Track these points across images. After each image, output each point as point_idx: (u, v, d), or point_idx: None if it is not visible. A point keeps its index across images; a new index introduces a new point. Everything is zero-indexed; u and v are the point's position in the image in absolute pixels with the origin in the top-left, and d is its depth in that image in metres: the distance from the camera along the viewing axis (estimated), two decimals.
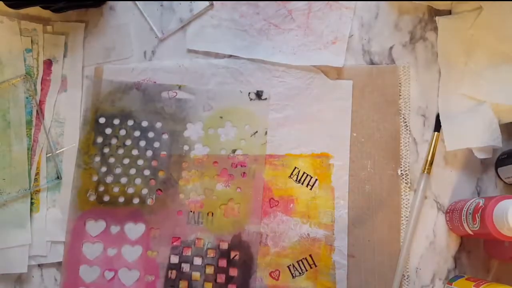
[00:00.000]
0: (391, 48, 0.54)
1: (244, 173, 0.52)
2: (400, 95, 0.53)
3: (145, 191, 0.52)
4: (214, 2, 0.54)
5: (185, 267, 0.51)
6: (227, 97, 0.53)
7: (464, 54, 0.53)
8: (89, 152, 0.52)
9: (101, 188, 0.52)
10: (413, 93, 0.53)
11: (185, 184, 0.52)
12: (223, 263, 0.51)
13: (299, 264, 0.51)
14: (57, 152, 0.52)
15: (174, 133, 0.53)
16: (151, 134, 0.53)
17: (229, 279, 0.51)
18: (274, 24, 0.54)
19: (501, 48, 0.51)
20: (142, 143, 0.53)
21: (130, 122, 0.53)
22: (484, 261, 0.52)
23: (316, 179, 0.52)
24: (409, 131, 0.53)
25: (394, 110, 0.53)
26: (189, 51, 0.54)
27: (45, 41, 0.54)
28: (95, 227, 0.52)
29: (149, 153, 0.53)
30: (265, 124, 0.53)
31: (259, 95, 0.53)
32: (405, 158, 0.53)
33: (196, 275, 0.51)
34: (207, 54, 0.54)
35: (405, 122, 0.53)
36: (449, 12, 0.54)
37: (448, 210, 0.52)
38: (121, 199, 0.52)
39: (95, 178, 0.52)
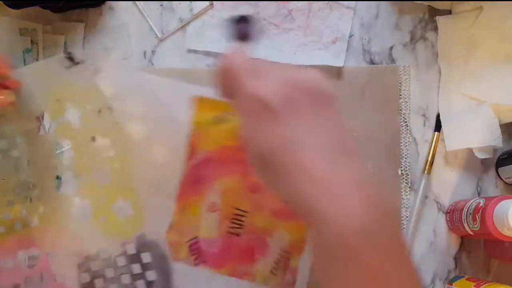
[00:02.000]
0: (391, 48, 0.54)
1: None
2: (400, 95, 0.53)
3: (24, 212, 0.46)
4: (214, 2, 0.54)
5: (99, 282, 0.46)
6: (45, 72, 0.46)
7: (465, 54, 0.53)
8: None
9: None
10: (413, 93, 0.53)
11: (65, 192, 0.46)
12: (136, 268, 0.46)
13: None
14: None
15: (28, 134, 0.46)
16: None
17: (150, 284, 0.46)
18: (274, 24, 0.54)
19: (501, 48, 0.51)
20: None
21: None
22: (485, 261, 0.52)
23: None
24: (409, 131, 0.53)
25: (394, 110, 0.53)
26: (189, 51, 0.54)
27: (45, 41, 0.53)
28: None
29: (11, 166, 0.46)
30: (103, 98, 0.46)
31: (71, 59, 0.45)
32: (405, 158, 0.53)
33: None
34: (207, 54, 0.54)
35: (405, 122, 0.53)
36: (449, 12, 0.54)
37: (449, 210, 0.52)
38: (2, 229, 0.46)
39: None
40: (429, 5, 0.54)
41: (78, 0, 0.52)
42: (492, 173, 0.53)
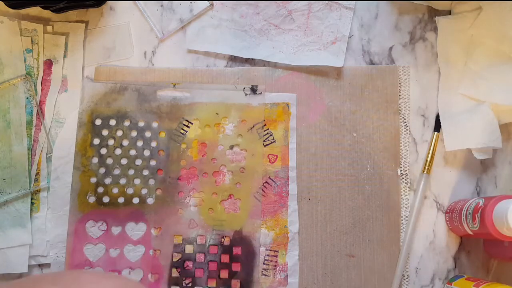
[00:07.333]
0: (391, 48, 0.54)
1: (242, 168, 0.52)
2: (399, 95, 0.53)
3: (144, 190, 0.52)
4: (214, 2, 0.54)
5: (188, 264, 0.51)
6: (222, 93, 0.53)
7: (464, 54, 0.53)
8: (87, 154, 0.52)
9: (100, 190, 0.52)
10: (413, 93, 0.54)
11: (184, 182, 0.52)
12: (225, 258, 0.51)
13: None
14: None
15: (171, 131, 0.53)
16: (148, 134, 0.53)
17: (233, 274, 0.51)
18: (274, 24, 0.54)
19: (500, 48, 0.52)
20: (140, 143, 0.53)
21: (127, 123, 0.53)
22: (484, 261, 0.52)
23: None
24: (409, 131, 0.53)
25: (394, 110, 0.53)
26: (189, 51, 0.54)
27: (46, 41, 0.54)
28: (96, 228, 0.52)
29: (147, 152, 0.53)
30: (261, 119, 0.53)
31: (254, 90, 0.53)
32: (405, 158, 0.53)
33: (199, 272, 0.51)
34: (207, 54, 0.54)
35: (405, 122, 0.53)
36: (449, 12, 0.54)
37: (448, 210, 0.52)
38: (121, 200, 0.52)
39: (93, 180, 0.52)
40: (428, 6, 0.54)
41: (79, 0, 0.52)
42: (491, 173, 0.53)
